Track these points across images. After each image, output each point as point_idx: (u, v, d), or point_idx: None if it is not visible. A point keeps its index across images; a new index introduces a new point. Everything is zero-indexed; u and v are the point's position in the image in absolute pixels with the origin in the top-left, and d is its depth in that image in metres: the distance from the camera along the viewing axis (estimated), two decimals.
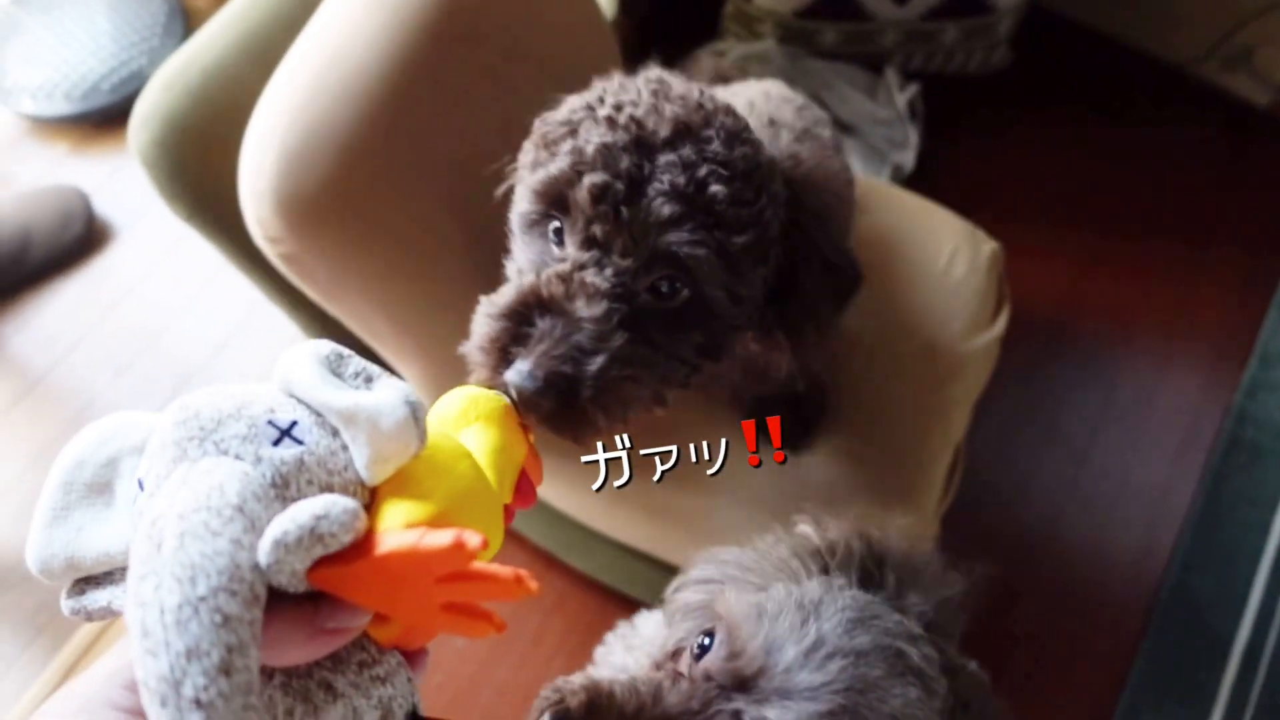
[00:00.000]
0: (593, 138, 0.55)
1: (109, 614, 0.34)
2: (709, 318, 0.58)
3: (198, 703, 0.27)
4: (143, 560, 0.29)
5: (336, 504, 0.32)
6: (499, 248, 0.68)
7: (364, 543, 0.33)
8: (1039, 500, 1.54)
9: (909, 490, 1.16)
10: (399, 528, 0.34)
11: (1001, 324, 1.28)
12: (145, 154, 0.90)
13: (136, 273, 1.64)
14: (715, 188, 0.54)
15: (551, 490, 1.19)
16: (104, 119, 1.71)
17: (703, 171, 0.54)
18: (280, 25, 0.95)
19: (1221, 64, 1.81)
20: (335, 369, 0.37)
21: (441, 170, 0.94)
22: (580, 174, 0.54)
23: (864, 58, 1.69)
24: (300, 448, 0.34)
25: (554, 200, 0.56)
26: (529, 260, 0.59)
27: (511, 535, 1.40)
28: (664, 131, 0.55)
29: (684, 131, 0.55)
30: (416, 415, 0.35)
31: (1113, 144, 1.83)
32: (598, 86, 0.61)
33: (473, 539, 0.32)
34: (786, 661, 0.46)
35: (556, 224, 0.57)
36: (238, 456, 0.33)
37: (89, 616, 0.34)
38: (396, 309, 0.95)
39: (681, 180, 0.53)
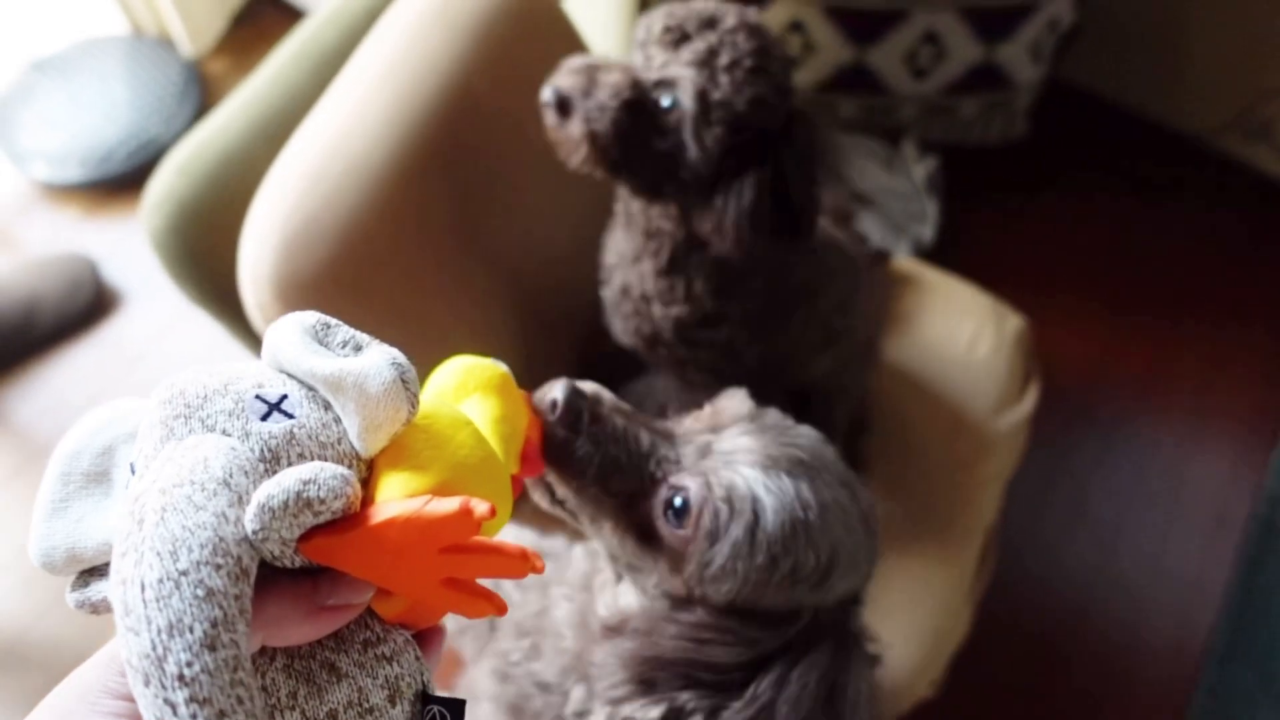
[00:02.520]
0: (685, 9, 0.77)
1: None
2: (672, 147, 0.76)
3: (181, 679, 0.26)
4: (124, 537, 0.28)
5: (325, 469, 0.31)
6: (503, 325, 0.82)
7: (360, 514, 0.32)
8: (1067, 584, 1.49)
9: (936, 578, 1.11)
10: (398, 498, 0.33)
11: (1030, 401, 1.25)
12: (157, 239, 0.88)
13: (144, 340, 1.62)
14: (723, 59, 0.74)
15: None
16: (117, 186, 1.71)
17: (725, 49, 0.74)
18: (298, 107, 0.94)
19: (1243, 136, 1.80)
20: (321, 338, 0.36)
21: (445, 251, 0.94)
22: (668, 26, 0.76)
23: (882, 130, 1.68)
24: (290, 421, 0.33)
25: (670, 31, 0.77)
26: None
27: None
28: (729, 23, 0.75)
29: (738, 27, 0.75)
30: (405, 378, 0.34)
31: (1135, 216, 1.81)
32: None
33: (480, 506, 0.31)
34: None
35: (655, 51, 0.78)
36: (225, 432, 0.32)
37: (94, 609, 0.33)
38: None
39: (709, 46, 0.74)
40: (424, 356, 0.78)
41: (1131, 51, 1.80)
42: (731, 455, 0.52)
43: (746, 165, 0.77)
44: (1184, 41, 1.74)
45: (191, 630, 0.26)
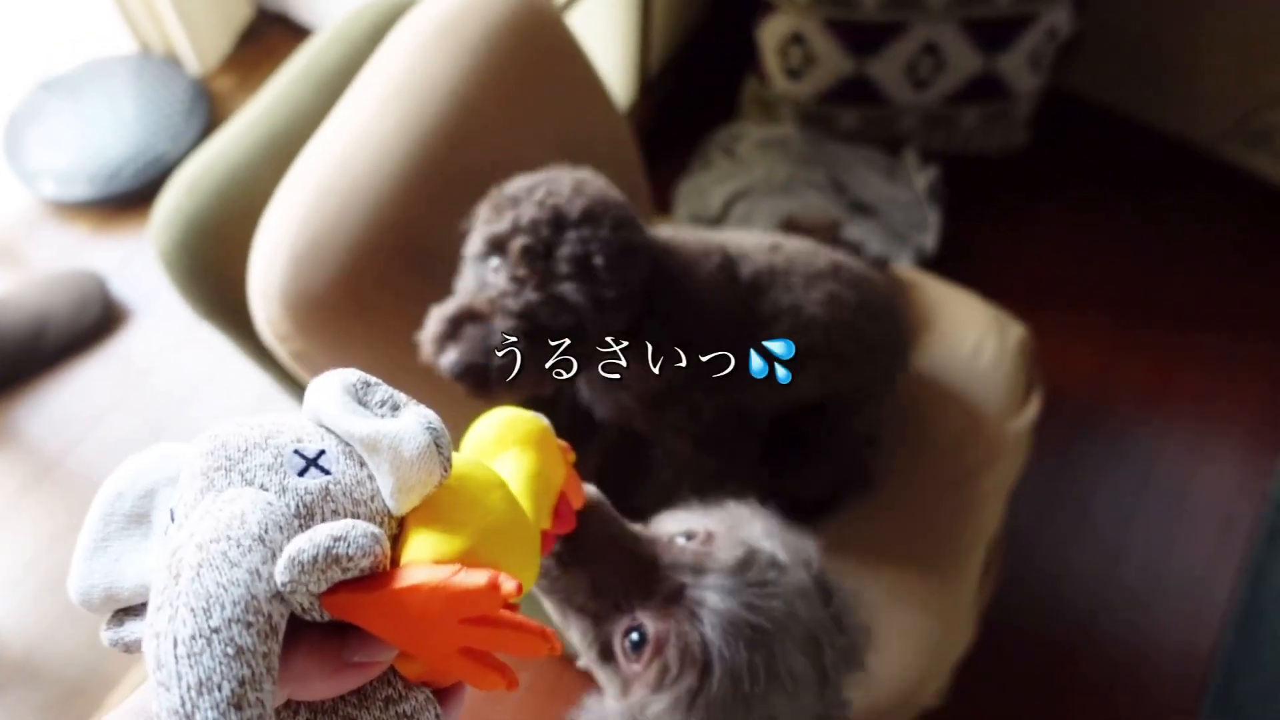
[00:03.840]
0: (526, 212, 0.77)
1: None
2: (582, 338, 0.80)
3: None
4: (160, 591, 0.29)
5: (356, 527, 0.31)
6: None
7: (388, 574, 0.32)
8: (1073, 592, 1.49)
9: (940, 588, 1.12)
10: (425, 560, 0.33)
11: (1033, 411, 1.25)
12: (166, 256, 0.89)
13: (152, 356, 1.63)
14: (598, 260, 0.77)
15: None
16: (125, 203, 1.72)
17: (594, 247, 0.77)
18: (304, 125, 0.95)
19: (1245, 144, 1.80)
20: (361, 397, 0.36)
21: (450, 268, 0.94)
22: (515, 234, 0.77)
23: (883, 140, 1.69)
24: (326, 477, 0.34)
25: (495, 247, 0.79)
26: (473, 282, 0.82)
27: None
28: (574, 215, 0.77)
29: (586, 217, 0.77)
30: (439, 442, 0.35)
31: (1137, 224, 1.82)
32: (539, 175, 0.82)
33: (509, 583, 0.31)
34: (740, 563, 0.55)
35: (495, 262, 0.80)
36: (263, 486, 0.33)
37: (127, 648, 0.33)
38: None
39: (579, 251, 0.76)
40: (424, 377, 0.80)
41: (1132, 60, 1.80)
42: (699, 609, 0.52)
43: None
44: (1184, 49, 1.74)
45: (220, 689, 0.27)
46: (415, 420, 0.35)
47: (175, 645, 0.27)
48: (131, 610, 0.34)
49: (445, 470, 0.35)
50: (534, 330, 0.78)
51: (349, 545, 0.31)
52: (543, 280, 0.77)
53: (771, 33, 1.59)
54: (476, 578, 0.31)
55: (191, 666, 0.27)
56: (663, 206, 1.66)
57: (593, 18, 1.43)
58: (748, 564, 0.54)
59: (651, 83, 1.72)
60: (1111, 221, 1.82)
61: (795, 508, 0.84)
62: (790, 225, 1.24)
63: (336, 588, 0.31)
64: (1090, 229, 1.82)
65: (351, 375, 0.37)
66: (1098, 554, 1.52)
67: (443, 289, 0.85)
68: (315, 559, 0.30)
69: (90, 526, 0.34)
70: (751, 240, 1.01)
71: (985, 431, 1.21)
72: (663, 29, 1.68)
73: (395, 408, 0.36)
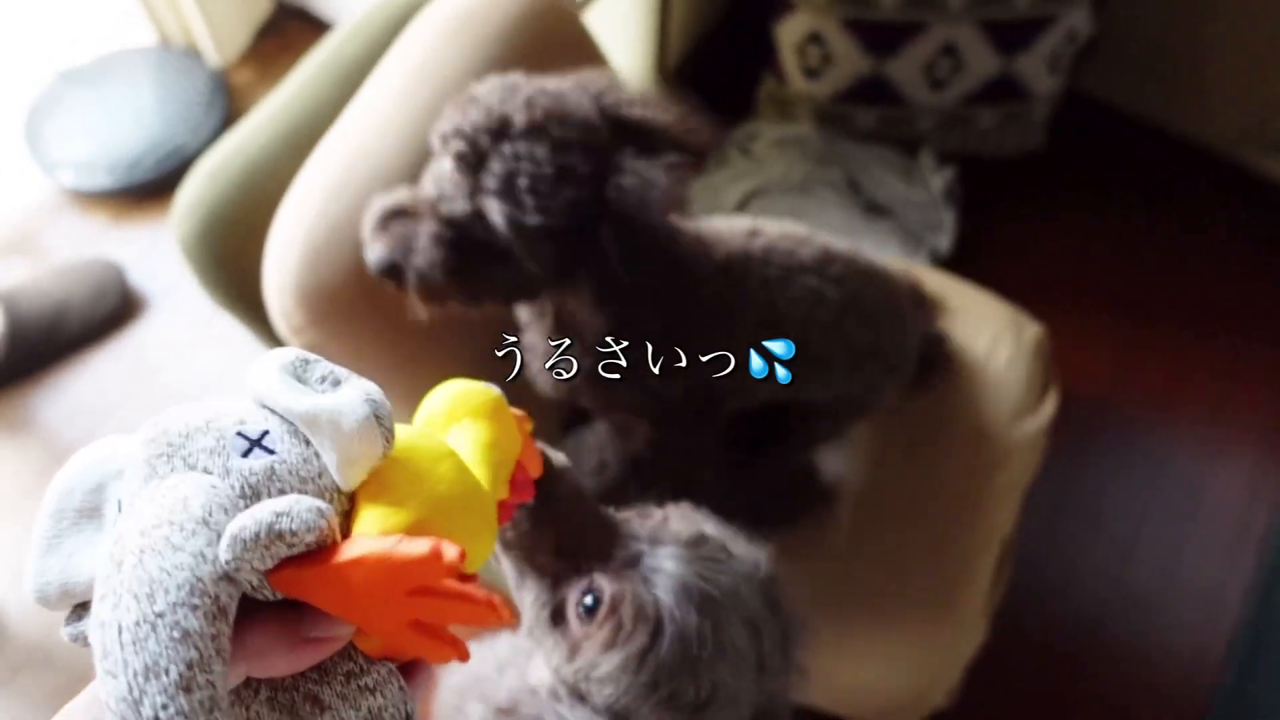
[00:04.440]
0: (472, 116, 0.74)
1: None
2: (509, 261, 0.76)
3: None
4: (104, 580, 0.29)
5: (300, 502, 0.31)
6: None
7: (333, 548, 0.32)
8: (1084, 596, 1.49)
9: (953, 587, 1.12)
10: (373, 534, 0.33)
11: (1049, 410, 1.24)
12: (187, 244, 0.90)
13: (170, 346, 1.64)
14: (521, 180, 0.72)
15: None
16: (144, 193, 1.73)
17: (523, 166, 0.72)
18: (324, 117, 0.95)
19: (1261, 147, 1.79)
20: (300, 374, 0.36)
21: None
22: (454, 137, 0.74)
23: (899, 141, 1.69)
24: (271, 457, 0.34)
25: (441, 145, 0.76)
26: (424, 179, 0.79)
27: None
28: (517, 127, 0.73)
29: (529, 131, 0.73)
30: (379, 414, 0.34)
31: (1152, 227, 1.81)
32: (510, 79, 0.77)
33: (450, 550, 0.31)
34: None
35: (442, 163, 0.77)
36: (206, 470, 0.33)
37: (86, 643, 0.33)
38: (418, 397, 0.94)
39: (509, 168, 0.72)
40: (437, 369, 0.79)
41: (1149, 63, 1.79)
42: (654, 575, 0.54)
43: (587, 235, 0.76)
44: (1201, 53, 1.73)
45: (167, 673, 0.27)
46: (355, 393, 0.35)
47: (120, 632, 0.27)
48: (89, 604, 0.33)
49: (388, 442, 0.35)
50: (461, 241, 0.75)
51: (292, 520, 0.30)
52: (471, 191, 0.74)
53: (790, 32, 1.59)
54: (419, 546, 0.31)
55: (137, 653, 0.27)
56: None
57: (612, 15, 1.43)
58: (700, 542, 0.56)
59: (668, 80, 1.72)
60: (1125, 224, 1.82)
61: (753, 509, 0.87)
62: None
63: (283, 564, 0.31)
64: (1105, 231, 1.81)
65: (290, 354, 0.36)
66: (1109, 557, 1.52)
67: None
68: (258, 535, 0.30)
69: (43, 524, 0.34)
70: (727, 224, 0.95)
71: (1000, 430, 1.21)
72: (680, 27, 1.68)
73: (336, 383, 0.36)
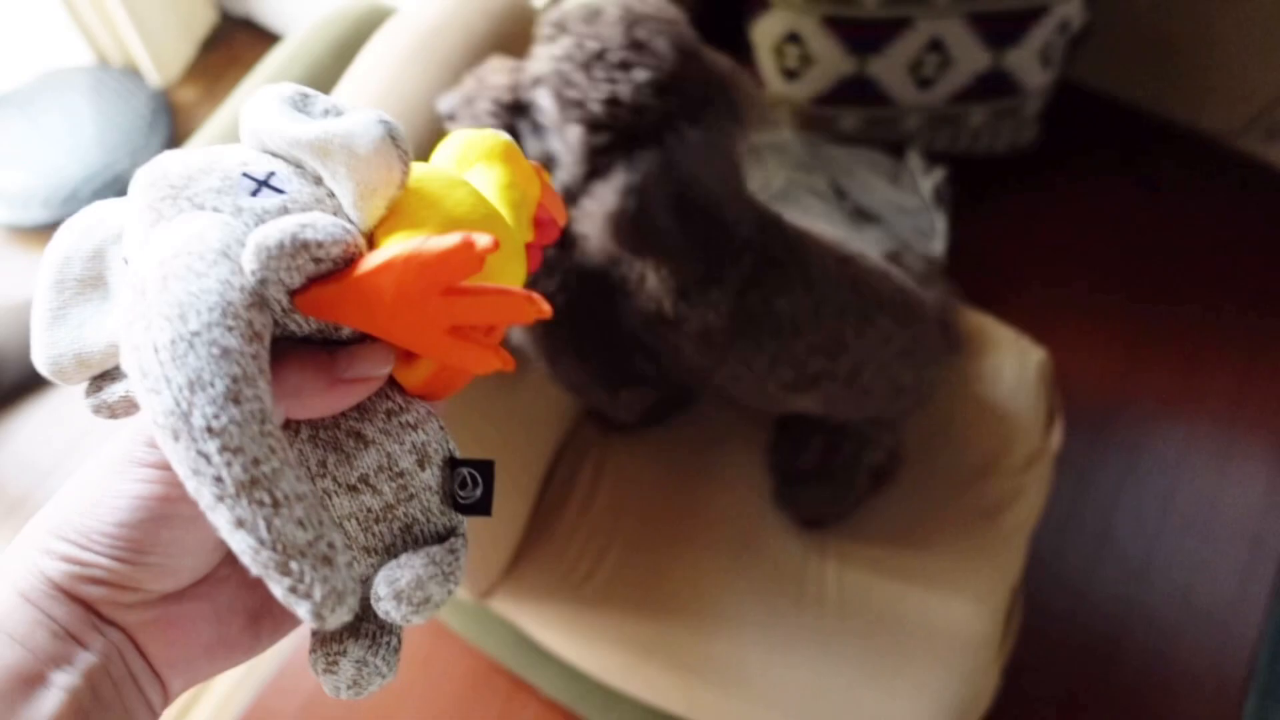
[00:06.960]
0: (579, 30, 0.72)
1: (130, 406, 0.33)
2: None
3: (210, 430, 0.25)
4: (129, 308, 0.27)
5: (322, 216, 0.30)
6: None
7: (359, 261, 0.30)
8: (1097, 618, 1.42)
9: (958, 642, 1.03)
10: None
11: (1055, 441, 1.17)
12: None
13: None
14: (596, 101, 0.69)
15: (570, 647, 1.08)
16: None
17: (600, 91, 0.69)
18: None
19: (1263, 136, 1.72)
20: (301, 107, 0.34)
21: None
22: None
23: (886, 142, 1.60)
24: (281, 196, 0.32)
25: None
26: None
27: (519, 686, 1.28)
28: (614, 51, 0.70)
29: (624, 21, 0.71)
30: (394, 134, 0.32)
31: (1155, 221, 1.73)
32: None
33: (483, 239, 0.29)
34: None
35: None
36: (216, 209, 0.31)
37: (111, 412, 0.33)
38: None
39: (601, 92, 0.70)
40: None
41: (1146, 51, 1.72)
42: None
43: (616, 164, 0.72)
44: (1200, 41, 1.66)
45: (213, 385, 0.26)
46: (365, 115, 0.32)
47: (156, 351, 0.26)
48: (107, 375, 0.33)
49: (405, 165, 0.32)
50: (520, 114, 0.74)
51: (317, 231, 0.29)
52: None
53: (765, 32, 1.50)
54: (448, 240, 0.29)
55: (179, 368, 0.26)
56: None
57: None
58: None
59: None
60: (1126, 220, 1.74)
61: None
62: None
63: (309, 284, 0.29)
64: (1104, 228, 1.73)
65: (288, 88, 0.34)
66: (1121, 577, 1.44)
67: None
68: (283, 244, 0.28)
69: (43, 297, 0.32)
70: (831, 233, 0.93)
71: (1005, 466, 1.13)
72: None
73: (340, 113, 0.33)
